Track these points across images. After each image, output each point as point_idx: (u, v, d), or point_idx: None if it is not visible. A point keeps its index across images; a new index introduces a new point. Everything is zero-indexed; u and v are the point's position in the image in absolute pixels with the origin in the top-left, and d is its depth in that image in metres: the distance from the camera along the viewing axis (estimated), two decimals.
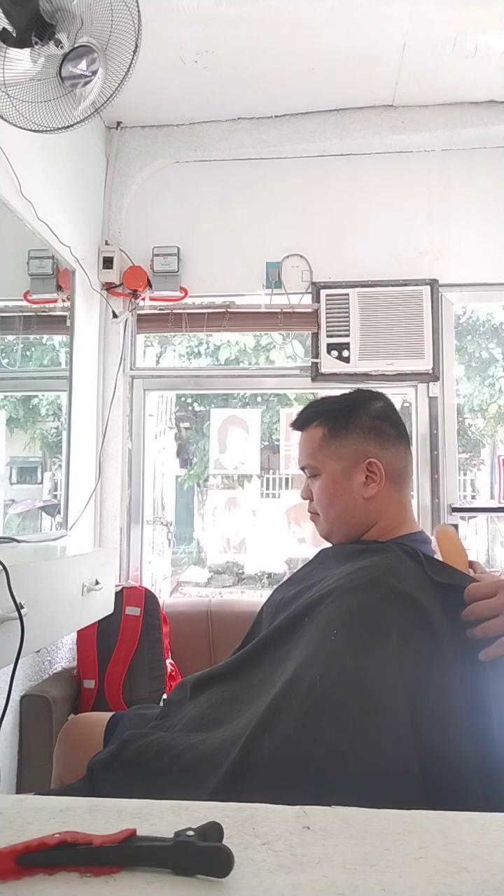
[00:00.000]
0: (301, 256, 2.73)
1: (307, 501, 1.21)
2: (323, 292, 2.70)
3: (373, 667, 0.84)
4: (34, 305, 2.40)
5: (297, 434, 1.21)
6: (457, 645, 0.89)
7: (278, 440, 2.91)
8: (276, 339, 6.56)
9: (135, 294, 2.75)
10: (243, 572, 5.43)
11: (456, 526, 2.66)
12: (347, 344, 2.66)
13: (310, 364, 2.75)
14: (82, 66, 1.50)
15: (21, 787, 2.08)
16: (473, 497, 9.31)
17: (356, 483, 1.10)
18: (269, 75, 2.47)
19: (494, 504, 2.87)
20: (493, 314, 7.76)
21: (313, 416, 1.17)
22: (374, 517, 1.11)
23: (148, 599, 2.39)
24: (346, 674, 0.84)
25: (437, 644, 0.88)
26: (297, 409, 3.88)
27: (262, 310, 2.75)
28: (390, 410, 1.16)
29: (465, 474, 9.30)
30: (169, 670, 2.35)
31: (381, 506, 1.10)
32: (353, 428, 1.11)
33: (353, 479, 1.10)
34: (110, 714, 1.35)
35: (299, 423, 1.19)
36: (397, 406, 1.30)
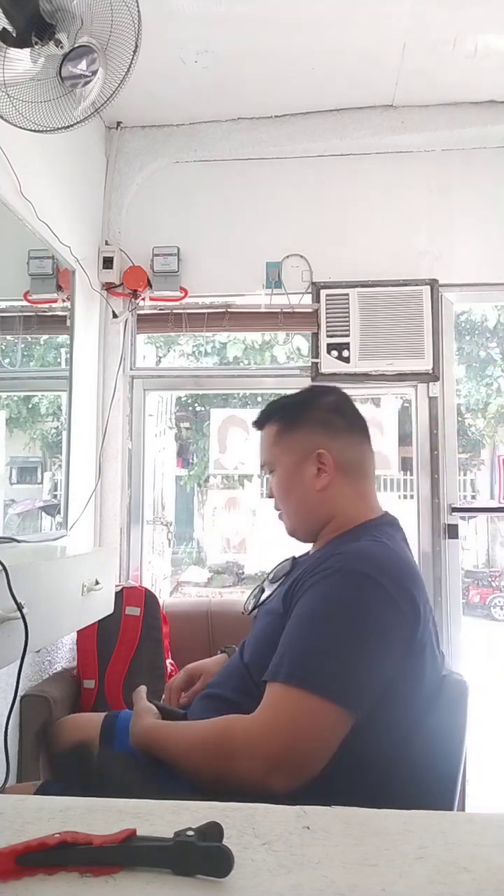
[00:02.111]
0: (301, 256, 2.73)
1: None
2: (323, 292, 2.70)
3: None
4: (34, 305, 2.40)
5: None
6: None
7: None
8: (279, 336, 6.58)
9: (135, 294, 2.75)
10: (243, 572, 5.43)
11: (456, 526, 2.66)
12: (347, 344, 2.66)
13: (310, 364, 2.75)
14: (82, 66, 1.50)
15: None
16: (473, 497, 9.32)
17: (308, 475, 1.13)
18: (269, 75, 2.47)
19: (494, 504, 2.87)
20: (486, 315, 7.76)
21: (269, 415, 1.21)
22: (329, 509, 1.14)
23: (148, 599, 2.39)
24: None
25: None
26: None
27: (262, 310, 2.75)
28: (342, 403, 1.21)
29: (465, 474, 9.31)
30: (169, 670, 2.35)
31: (336, 497, 1.13)
32: (305, 422, 1.16)
33: (304, 471, 1.13)
34: (102, 715, 1.34)
35: (258, 423, 1.24)
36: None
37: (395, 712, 0.96)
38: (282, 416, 1.19)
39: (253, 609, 1.22)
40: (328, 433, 1.14)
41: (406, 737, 0.98)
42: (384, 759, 0.96)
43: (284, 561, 1.25)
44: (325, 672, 0.90)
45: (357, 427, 1.18)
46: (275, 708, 0.91)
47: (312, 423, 1.16)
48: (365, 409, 3.08)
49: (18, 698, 2.11)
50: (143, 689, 1.20)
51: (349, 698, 0.90)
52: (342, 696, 0.89)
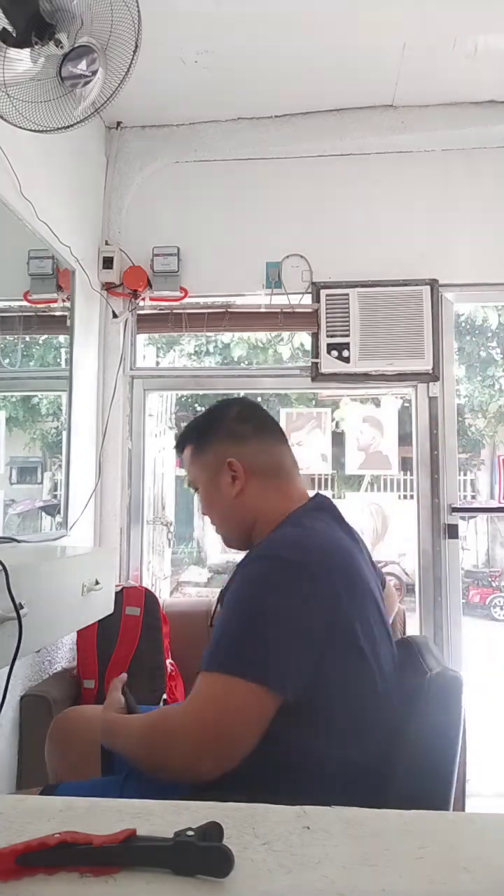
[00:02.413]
0: (301, 256, 2.73)
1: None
2: (323, 292, 2.70)
3: None
4: (34, 305, 2.40)
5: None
6: None
7: None
8: (284, 334, 6.57)
9: (135, 294, 2.75)
10: None
11: (456, 526, 2.66)
12: (347, 344, 2.66)
13: (310, 364, 2.75)
14: (82, 66, 1.50)
15: (21, 788, 2.08)
16: (473, 497, 9.32)
17: (224, 485, 1.19)
18: (269, 75, 2.47)
19: (494, 504, 2.87)
20: (487, 315, 7.76)
21: (183, 439, 1.28)
22: (250, 513, 1.19)
23: (148, 599, 2.39)
24: None
25: None
26: (298, 409, 3.87)
27: (262, 310, 2.75)
28: (246, 411, 1.26)
29: (465, 474, 9.32)
30: (169, 670, 2.35)
31: (254, 499, 1.18)
32: (213, 437, 1.22)
33: (220, 482, 1.19)
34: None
35: (177, 448, 1.31)
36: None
37: (335, 700, 0.98)
38: (193, 436, 1.26)
39: (210, 622, 1.25)
40: (236, 442, 1.19)
41: (361, 731, 1.00)
42: (334, 750, 0.98)
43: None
44: (243, 654, 0.93)
45: (265, 430, 1.23)
46: (198, 694, 0.94)
47: (220, 437, 1.21)
48: (365, 410, 3.08)
49: (18, 698, 2.11)
50: (122, 677, 1.20)
51: (269, 677, 0.92)
52: (261, 675, 0.91)
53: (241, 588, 1.01)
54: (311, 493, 1.23)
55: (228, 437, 1.21)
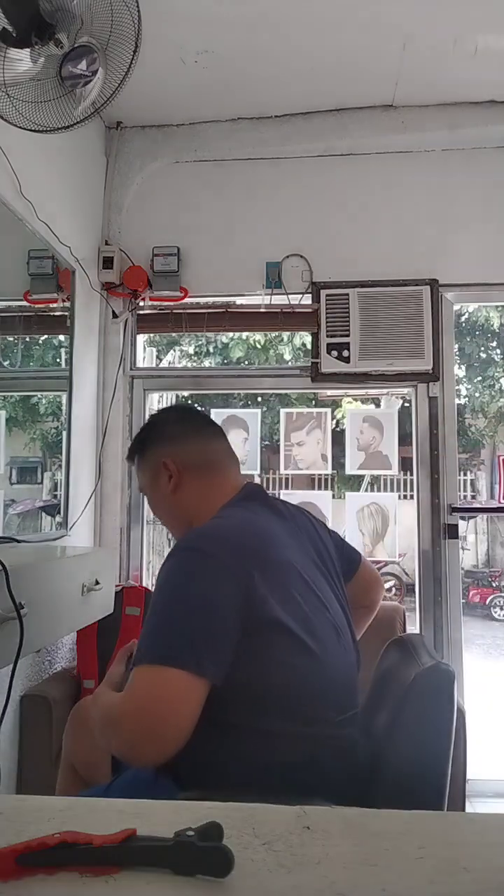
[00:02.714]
0: (301, 256, 2.73)
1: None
2: (323, 292, 2.70)
3: None
4: (34, 305, 2.40)
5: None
6: None
7: (278, 440, 2.91)
8: (283, 335, 6.58)
9: (135, 294, 2.75)
10: None
11: (456, 526, 2.66)
12: (347, 344, 2.66)
13: (310, 364, 2.75)
14: (82, 66, 1.50)
15: (21, 787, 2.08)
16: (473, 497, 9.32)
17: (162, 485, 1.27)
18: (269, 75, 2.47)
19: (494, 504, 2.87)
20: (489, 314, 7.77)
21: (131, 450, 1.37)
22: (187, 508, 1.26)
23: (148, 599, 2.39)
24: None
25: None
26: (298, 409, 3.88)
27: (262, 310, 2.75)
28: (178, 414, 1.41)
29: (465, 474, 9.32)
30: None
31: (189, 494, 1.26)
32: (151, 443, 1.32)
33: (159, 482, 1.28)
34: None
35: (129, 461, 1.40)
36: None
37: (268, 676, 1.03)
38: (136, 446, 1.35)
39: None
40: (170, 444, 1.29)
41: (303, 700, 1.04)
42: (281, 723, 1.03)
43: None
44: (166, 644, 0.98)
45: (199, 430, 1.32)
46: (131, 687, 0.99)
47: (156, 441, 1.31)
48: (365, 409, 3.08)
49: (18, 698, 2.11)
50: (130, 645, 1.20)
51: (191, 663, 0.95)
52: (184, 662, 0.95)
53: (160, 582, 1.06)
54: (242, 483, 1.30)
55: (164, 440, 1.30)
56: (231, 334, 6.41)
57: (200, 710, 0.95)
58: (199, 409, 1.42)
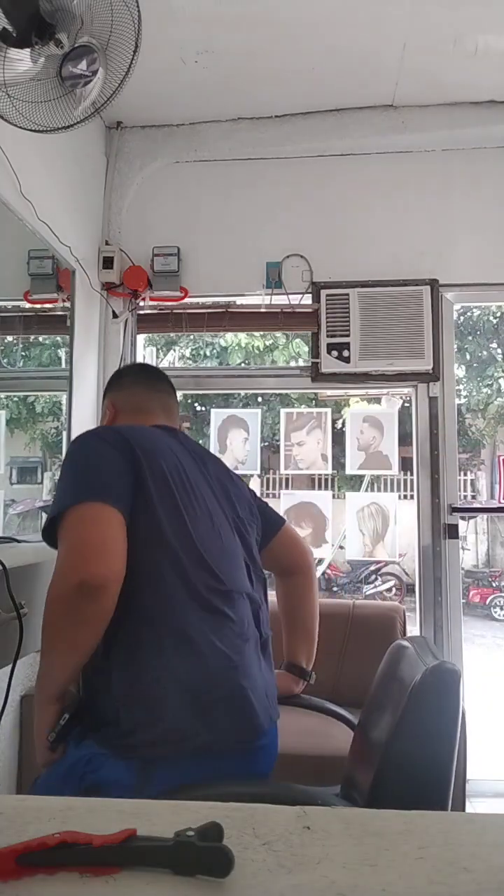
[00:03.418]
0: (301, 256, 2.73)
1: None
2: (323, 292, 2.70)
3: None
4: (34, 305, 2.40)
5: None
6: None
7: (278, 440, 2.91)
8: (279, 340, 6.57)
9: (135, 294, 2.75)
10: None
11: (456, 526, 2.66)
12: (347, 344, 2.66)
13: (310, 364, 2.75)
14: (82, 66, 1.50)
15: (21, 787, 2.08)
16: (473, 497, 9.33)
17: (105, 420, 1.48)
18: (269, 75, 2.47)
19: (494, 504, 2.87)
20: (491, 311, 7.76)
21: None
22: None
23: None
24: None
25: None
26: (298, 409, 3.88)
27: (262, 310, 2.75)
28: (127, 370, 1.63)
29: (465, 474, 9.32)
30: None
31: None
32: (106, 389, 1.54)
33: (104, 420, 1.49)
34: None
35: None
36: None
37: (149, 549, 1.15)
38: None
39: None
40: (113, 391, 1.50)
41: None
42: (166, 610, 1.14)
43: None
44: (73, 491, 1.13)
45: (141, 383, 1.51)
46: (62, 529, 1.10)
47: (109, 387, 1.53)
48: (365, 409, 3.08)
49: (18, 698, 2.11)
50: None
51: (102, 495, 1.11)
52: (95, 495, 1.11)
53: (64, 461, 1.25)
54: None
55: (111, 388, 1.52)
56: (229, 340, 6.41)
57: (125, 540, 1.09)
58: (155, 367, 1.70)
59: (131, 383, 1.51)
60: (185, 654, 1.11)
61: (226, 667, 1.13)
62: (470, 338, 8.54)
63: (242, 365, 6.36)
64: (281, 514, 1.63)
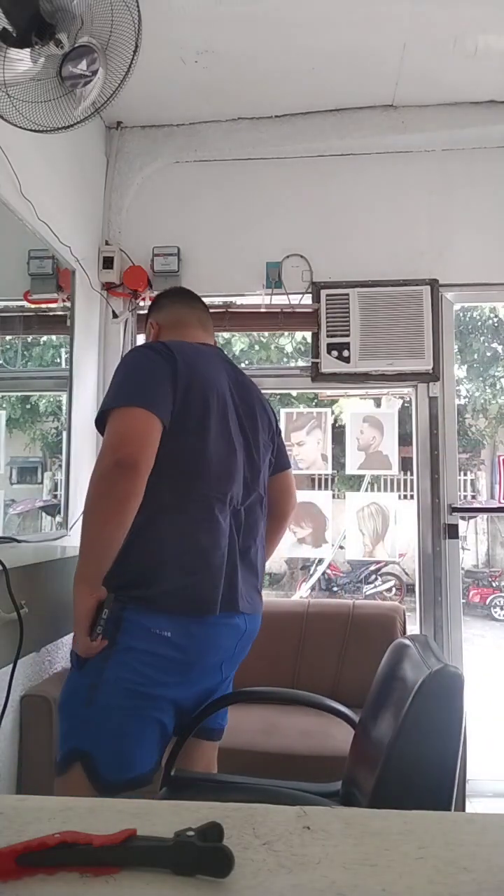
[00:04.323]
0: (301, 256, 2.73)
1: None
2: (323, 292, 2.70)
3: None
4: (34, 305, 2.40)
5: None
6: None
7: None
8: (280, 341, 6.61)
9: (135, 294, 2.75)
10: None
11: (456, 526, 2.66)
12: (347, 344, 2.66)
13: (310, 364, 2.75)
14: (82, 66, 1.50)
15: (21, 787, 2.08)
16: (473, 497, 9.32)
17: (150, 336, 1.68)
18: (269, 75, 2.47)
19: (494, 504, 2.87)
20: (495, 309, 7.75)
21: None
22: None
23: None
24: None
25: None
26: (299, 408, 3.87)
27: (263, 310, 2.75)
28: (166, 293, 1.78)
29: (465, 474, 9.32)
30: None
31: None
32: (148, 312, 1.75)
33: (148, 338, 1.69)
34: None
35: None
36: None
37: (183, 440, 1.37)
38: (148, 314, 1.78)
39: None
40: (155, 312, 1.71)
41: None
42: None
43: None
44: (124, 395, 1.34)
45: (177, 303, 1.71)
46: (109, 427, 1.31)
47: (151, 310, 1.74)
48: (365, 409, 3.08)
49: (18, 698, 2.11)
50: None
51: (147, 403, 1.31)
52: (141, 402, 1.31)
53: (117, 368, 1.43)
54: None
55: (154, 308, 1.73)
56: (226, 342, 6.45)
57: (158, 442, 1.30)
58: (190, 290, 1.80)
59: (170, 303, 1.71)
60: (183, 538, 1.35)
61: (211, 551, 1.37)
62: (475, 335, 8.53)
63: (243, 364, 6.37)
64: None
